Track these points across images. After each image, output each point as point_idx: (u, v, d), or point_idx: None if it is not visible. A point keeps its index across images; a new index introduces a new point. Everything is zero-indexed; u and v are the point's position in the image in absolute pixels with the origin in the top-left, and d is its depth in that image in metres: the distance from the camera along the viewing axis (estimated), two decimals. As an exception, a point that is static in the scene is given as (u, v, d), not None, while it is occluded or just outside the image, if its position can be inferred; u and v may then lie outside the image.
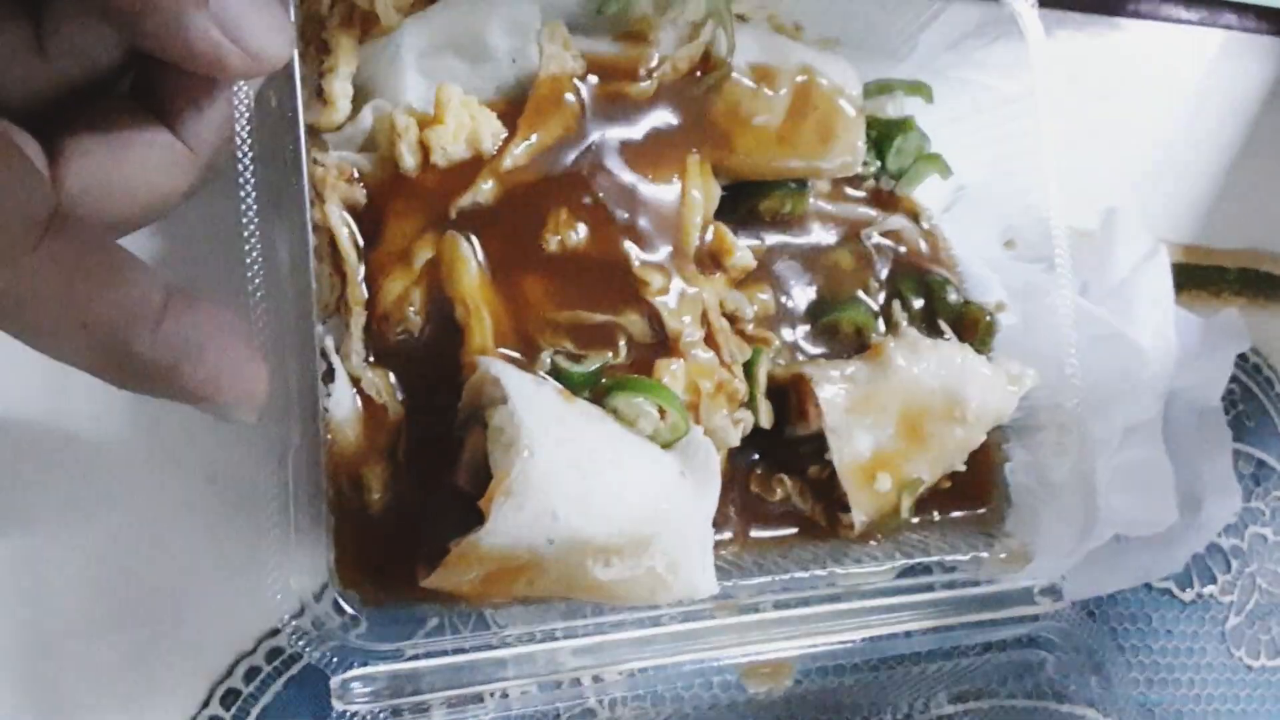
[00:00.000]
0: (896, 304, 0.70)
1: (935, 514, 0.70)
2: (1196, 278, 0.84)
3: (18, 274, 0.39)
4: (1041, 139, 0.68)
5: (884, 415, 0.65)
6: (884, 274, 0.71)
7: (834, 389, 0.63)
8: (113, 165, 0.45)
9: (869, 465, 0.64)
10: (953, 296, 0.72)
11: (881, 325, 0.70)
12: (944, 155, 0.73)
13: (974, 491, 0.72)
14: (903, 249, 0.72)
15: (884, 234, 0.72)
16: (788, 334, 0.68)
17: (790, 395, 0.66)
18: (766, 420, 0.64)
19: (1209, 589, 0.82)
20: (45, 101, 0.45)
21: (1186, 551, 0.80)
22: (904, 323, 0.68)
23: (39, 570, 0.57)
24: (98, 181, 0.45)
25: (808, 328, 0.69)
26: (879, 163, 0.72)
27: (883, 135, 0.71)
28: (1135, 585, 0.79)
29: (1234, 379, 0.84)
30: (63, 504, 0.58)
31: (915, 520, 0.67)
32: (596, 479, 0.53)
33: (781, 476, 0.66)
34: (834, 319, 0.69)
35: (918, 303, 0.71)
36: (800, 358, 0.68)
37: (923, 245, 0.73)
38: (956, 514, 0.71)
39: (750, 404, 0.63)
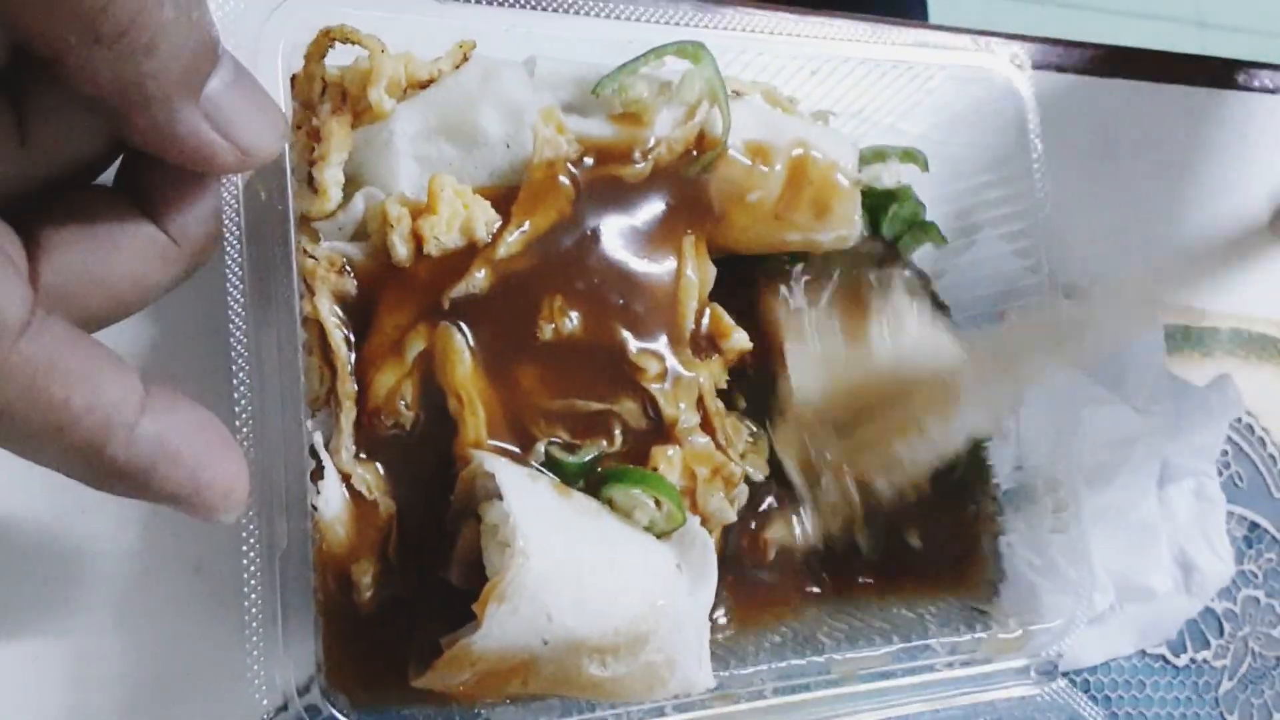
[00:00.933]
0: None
1: (918, 588, 0.70)
2: (1189, 338, 0.84)
3: None
4: (1036, 204, 0.68)
5: (842, 373, 0.64)
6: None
7: (803, 346, 0.63)
8: (94, 259, 0.44)
9: (813, 419, 0.65)
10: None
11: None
12: (938, 223, 0.73)
13: (962, 566, 0.72)
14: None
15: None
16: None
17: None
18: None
19: (1202, 654, 0.82)
20: (24, 192, 0.44)
21: (1181, 617, 0.80)
22: (901, 286, 0.67)
23: (16, 670, 0.55)
24: (78, 276, 0.44)
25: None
26: (872, 230, 0.72)
27: (877, 204, 0.71)
28: (1130, 653, 0.78)
29: (1226, 439, 0.83)
30: (41, 599, 0.56)
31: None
32: (592, 579, 0.52)
33: (768, 538, 0.66)
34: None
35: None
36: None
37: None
38: (940, 589, 0.71)
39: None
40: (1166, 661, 0.81)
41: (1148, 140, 0.82)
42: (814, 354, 0.64)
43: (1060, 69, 0.81)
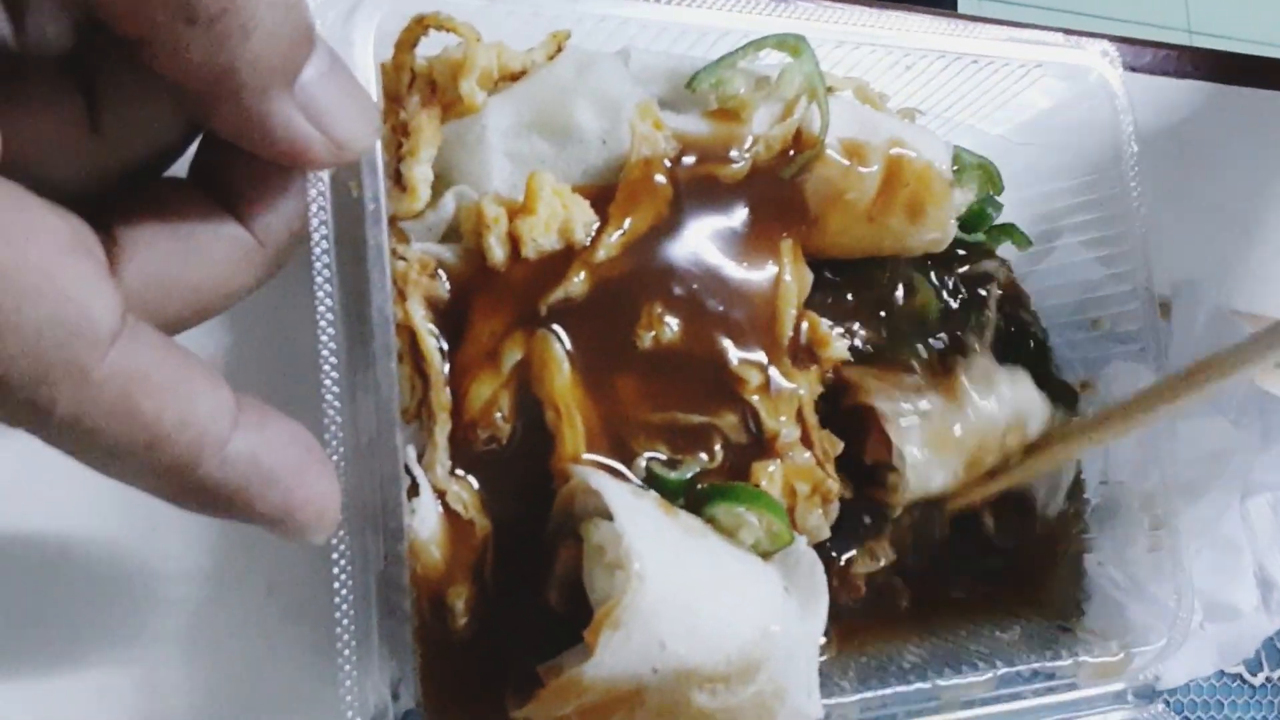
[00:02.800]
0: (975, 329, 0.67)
1: (1002, 606, 0.67)
2: (1266, 350, 0.81)
3: (85, 394, 0.35)
4: (1130, 209, 0.66)
5: (958, 452, 0.62)
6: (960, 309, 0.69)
7: (907, 425, 0.60)
8: (177, 260, 0.41)
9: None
10: (1033, 340, 0.69)
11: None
12: (1020, 224, 0.70)
13: (1046, 582, 0.70)
14: (992, 288, 0.69)
15: (974, 274, 0.69)
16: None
17: (858, 424, 0.62)
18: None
19: (1278, 672, 0.79)
20: (98, 184, 0.40)
21: (1260, 635, 0.77)
22: (977, 347, 0.65)
23: (79, 705, 0.52)
24: (159, 278, 0.41)
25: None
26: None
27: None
28: (1210, 672, 0.76)
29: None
30: (106, 626, 0.53)
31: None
32: (705, 604, 0.49)
33: (859, 573, 0.63)
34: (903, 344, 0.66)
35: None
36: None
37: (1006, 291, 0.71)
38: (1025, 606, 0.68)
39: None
40: (1244, 681, 0.78)
41: (1231, 145, 0.80)
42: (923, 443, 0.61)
43: (1133, 69, 0.79)
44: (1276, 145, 0.84)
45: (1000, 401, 0.63)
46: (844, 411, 0.60)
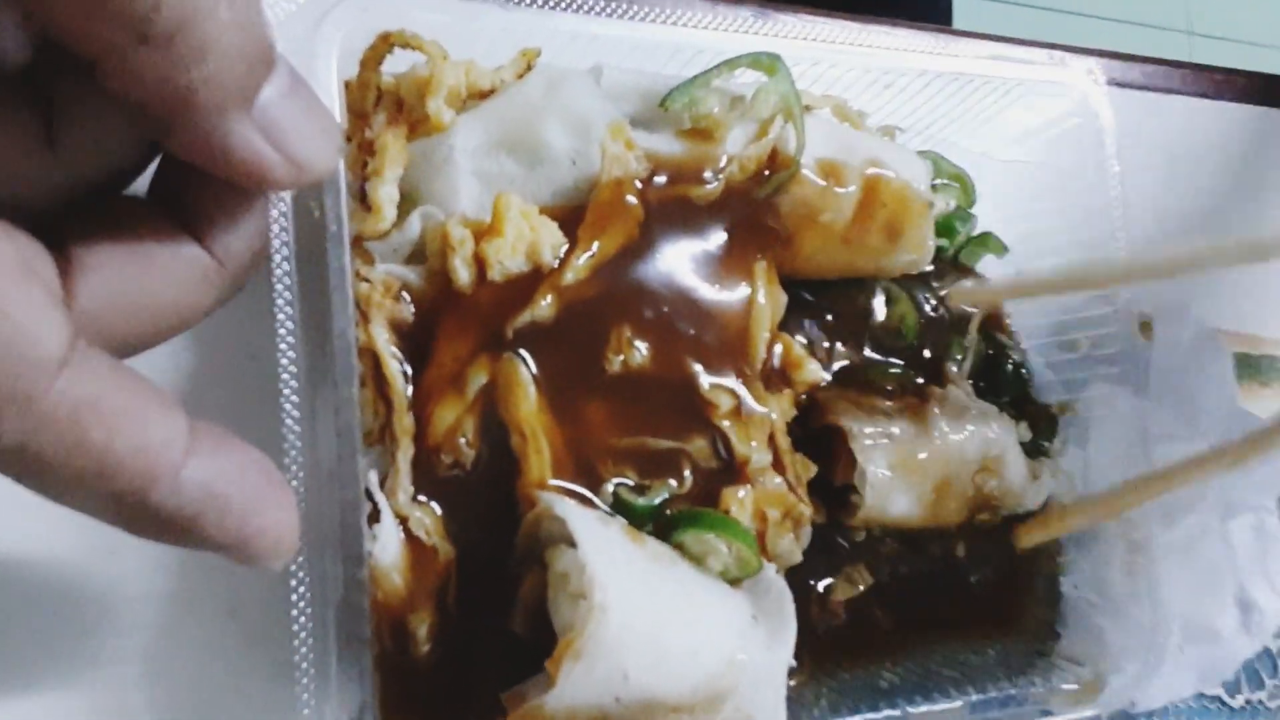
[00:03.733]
0: (954, 360, 0.67)
1: (974, 621, 0.67)
2: (1248, 367, 0.81)
3: (31, 422, 0.34)
4: (1110, 228, 0.65)
5: (922, 480, 0.61)
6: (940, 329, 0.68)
7: (872, 444, 0.60)
8: (132, 280, 0.40)
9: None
10: (1011, 363, 0.68)
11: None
12: (998, 235, 0.69)
13: (1021, 604, 0.69)
14: (971, 310, 0.68)
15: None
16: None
17: (830, 447, 0.62)
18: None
19: (1258, 694, 0.79)
20: (53, 201, 0.39)
21: (1240, 657, 0.76)
22: (955, 373, 0.64)
23: (41, 725, 0.51)
24: (115, 298, 0.40)
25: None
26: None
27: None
28: (1189, 694, 0.75)
29: (1284, 473, 0.80)
30: (63, 649, 0.52)
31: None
32: (670, 633, 0.48)
33: (838, 600, 0.63)
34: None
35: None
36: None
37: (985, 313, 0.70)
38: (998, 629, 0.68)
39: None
40: (1223, 703, 0.78)
41: (1218, 161, 0.79)
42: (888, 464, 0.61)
43: (1121, 85, 0.78)
44: (1265, 161, 0.84)
45: (970, 437, 0.62)
46: (814, 433, 0.59)
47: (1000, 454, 0.64)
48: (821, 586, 0.61)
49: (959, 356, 0.67)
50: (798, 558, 0.58)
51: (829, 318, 0.64)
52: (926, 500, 0.61)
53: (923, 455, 0.61)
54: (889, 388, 0.62)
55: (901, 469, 0.61)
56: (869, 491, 0.59)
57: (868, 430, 0.60)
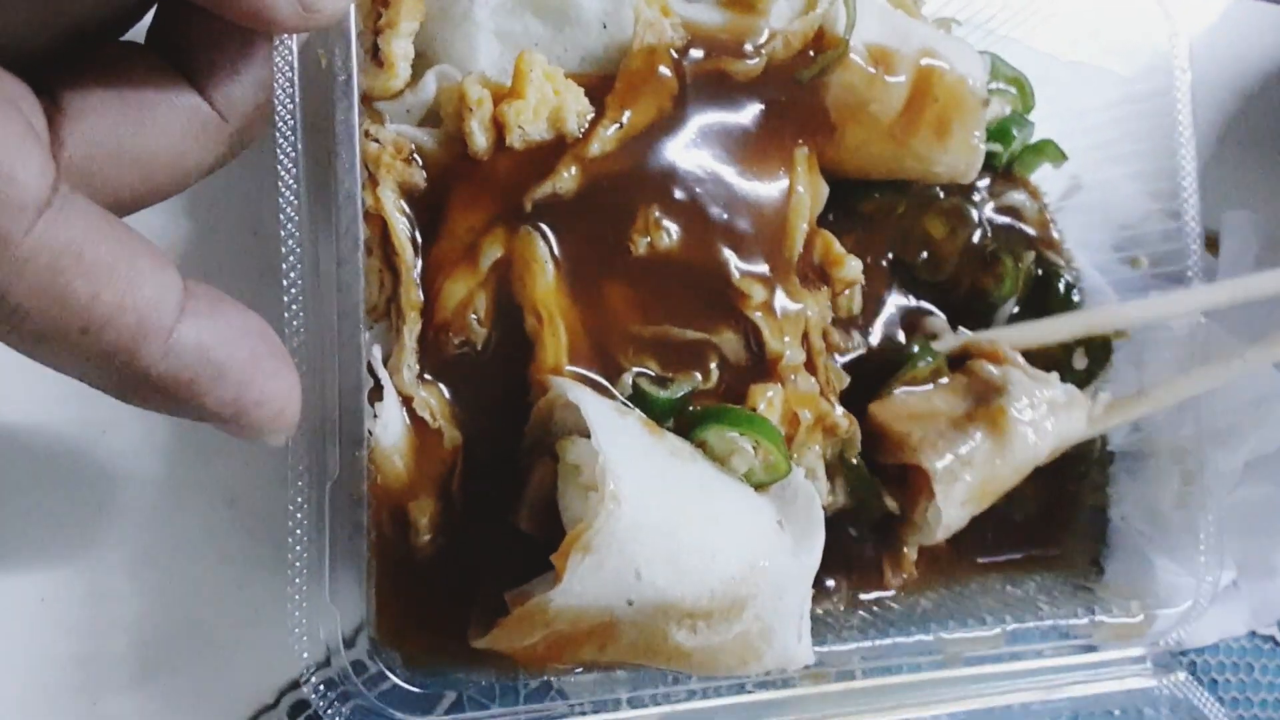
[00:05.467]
0: (1009, 264, 0.62)
1: (1014, 554, 0.63)
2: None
3: (7, 267, 0.32)
4: (1177, 140, 0.60)
5: (992, 497, 0.57)
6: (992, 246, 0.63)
7: (953, 479, 0.55)
8: (127, 129, 0.37)
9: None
10: (1064, 283, 0.64)
11: (994, 370, 0.59)
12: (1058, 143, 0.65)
13: (1062, 537, 0.65)
14: (1022, 226, 0.64)
15: (1001, 209, 0.64)
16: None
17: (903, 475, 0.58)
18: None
19: (1313, 635, 0.75)
20: (45, 46, 0.36)
21: (1293, 594, 0.72)
22: (1018, 358, 0.59)
23: (21, 614, 0.48)
24: (107, 147, 0.37)
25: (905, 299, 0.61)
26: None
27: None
28: (1242, 633, 0.71)
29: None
30: (50, 532, 0.49)
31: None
32: (688, 533, 0.45)
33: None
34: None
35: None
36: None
37: (1037, 231, 0.65)
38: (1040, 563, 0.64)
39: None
40: (1277, 643, 0.74)
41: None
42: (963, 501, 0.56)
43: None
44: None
45: (1043, 436, 0.57)
46: (888, 468, 0.56)
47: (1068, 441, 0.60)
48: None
49: (1004, 292, 0.62)
50: (822, 475, 0.54)
51: (862, 232, 0.60)
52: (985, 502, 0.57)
53: (1001, 470, 0.57)
54: (942, 378, 0.58)
55: (977, 499, 0.56)
56: (940, 532, 0.55)
57: (950, 463, 0.55)
